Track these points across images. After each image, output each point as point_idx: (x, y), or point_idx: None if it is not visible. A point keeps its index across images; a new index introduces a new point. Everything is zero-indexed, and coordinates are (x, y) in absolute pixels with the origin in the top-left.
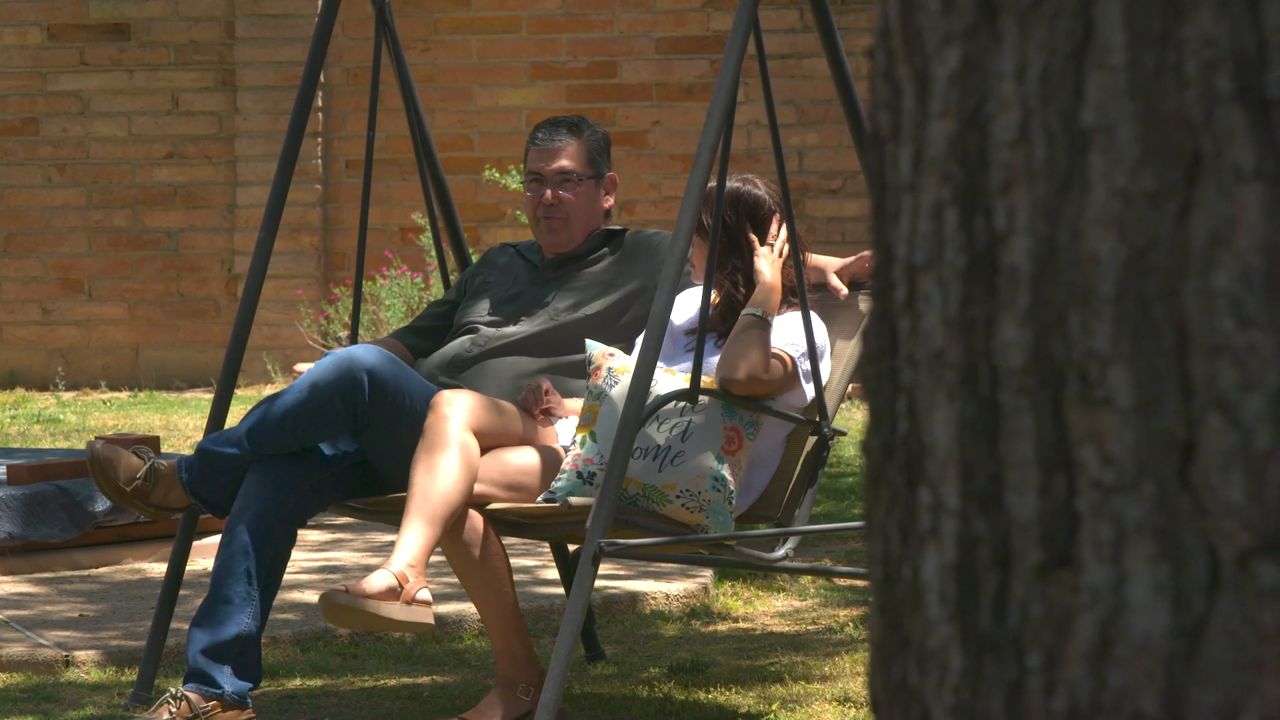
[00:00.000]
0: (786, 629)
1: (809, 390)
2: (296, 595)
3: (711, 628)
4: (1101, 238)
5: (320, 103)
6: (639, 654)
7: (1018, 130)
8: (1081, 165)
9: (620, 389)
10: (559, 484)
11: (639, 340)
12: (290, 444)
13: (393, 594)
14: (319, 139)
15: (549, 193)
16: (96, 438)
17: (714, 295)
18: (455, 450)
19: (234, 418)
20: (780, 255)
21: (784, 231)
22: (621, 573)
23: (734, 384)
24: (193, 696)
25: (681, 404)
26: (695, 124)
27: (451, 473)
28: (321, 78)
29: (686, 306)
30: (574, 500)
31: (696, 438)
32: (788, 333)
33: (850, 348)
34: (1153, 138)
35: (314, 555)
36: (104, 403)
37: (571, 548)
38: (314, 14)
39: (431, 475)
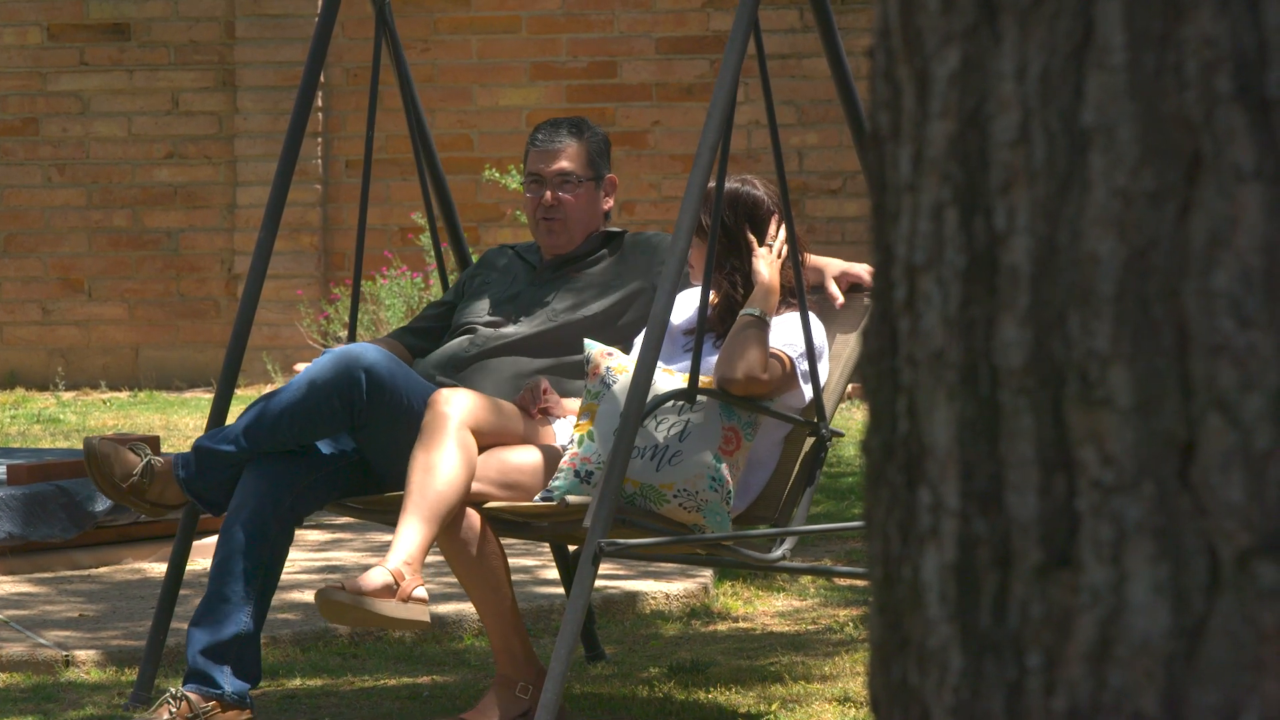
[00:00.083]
0: (786, 629)
1: (807, 391)
2: (296, 595)
3: (711, 628)
4: (1101, 238)
5: (320, 103)
6: (639, 654)
7: (1018, 130)
8: (1081, 165)
9: (618, 388)
10: (557, 483)
11: (638, 340)
12: (287, 442)
13: (389, 591)
14: (319, 139)
15: (549, 194)
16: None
17: (713, 295)
18: (453, 448)
19: (234, 418)
20: (779, 256)
21: (783, 232)
22: (621, 572)
23: (732, 384)
24: (193, 696)
25: (680, 404)
26: (695, 124)
27: (449, 471)
28: (321, 78)
29: (685, 307)
30: (571, 499)
31: (694, 437)
32: (786, 333)
33: (850, 344)
34: (1153, 138)
35: (314, 555)
36: (104, 403)
37: (571, 548)
38: (314, 14)
39: (429, 473)
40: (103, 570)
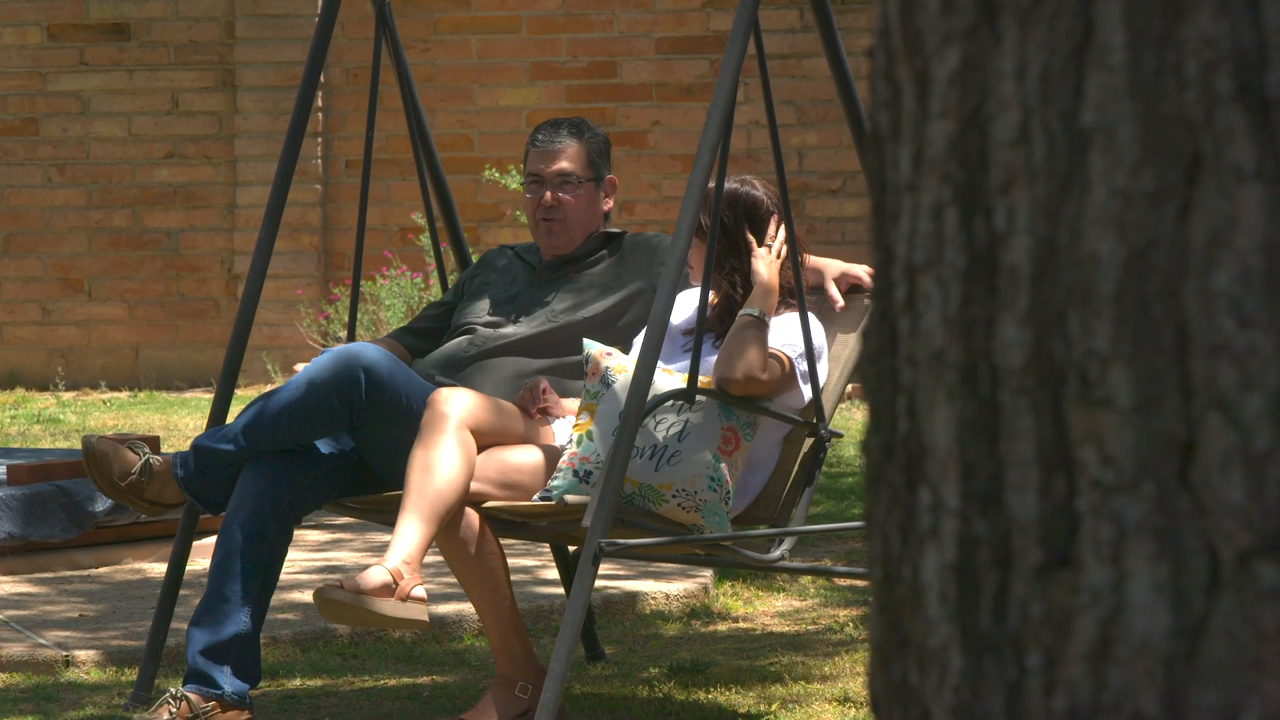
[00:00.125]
0: (786, 629)
1: (806, 391)
2: (296, 595)
3: (711, 628)
4: (1101, 238)
5: (320, 103)
6: (639, 654)
7: (1018, 130)
8: (1081, 165)
9: (617, 388)
10: (555, 482)
11: (637, 340)
12: (286, 441)
13: (387, 590)
14: (319, 139)
15: (548, 194)
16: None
17: (712, 296)
18: (452, 447)
19: (234, 418)
20: (778, 256)
21: (782, 232)
22: (621, 573)
23: (731, 383)
24: (193, 697)
25: (679, 403)
26: (695, 124)
27: (448, 470)
28: (321, 78)
29: (685, 307)
30: (570, 499)
31: (693, 437)
32: (785, 333)
33: (849, 345)
34: (1153, 138)
35: (314, 555)
36: (104, 403)
37: (571, 549)
38: (314, 14)
39: (428, 472)
40: (103, 570)
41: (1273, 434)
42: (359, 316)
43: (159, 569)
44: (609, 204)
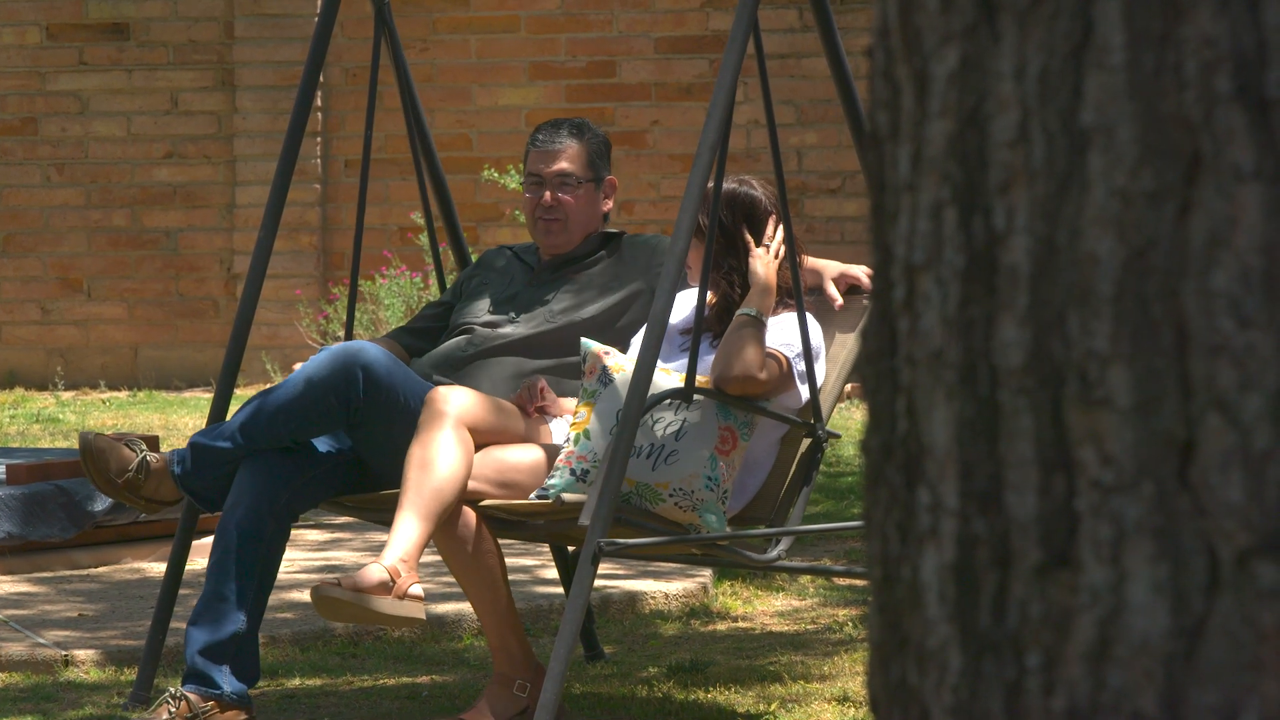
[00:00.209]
0: (786, 628)
1: (804, 391)
2: (296, 595)
3: (711, 627)
4: (1101, 238)
5: (320, 103)
6: (638, 654)
7: (1017, 130)
8: (1081, 165)
9: (615, 387)
10: (553, 481)
11: (636, 341)
12: (283, 439)
13: (384, 588)
14: (318, 139)
15: (548, 194)
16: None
17: (710, 296)
18: (450, 445)
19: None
20: (776, 256)
21: (780, 232)
22: (620, 572)
23: (728, 383)
24: (192, 696)
25: (676, 403)
26: (694, 124)
27: (445, 468)
28: (321, 78)
29: (683, 307)
30: (567, 497)
31: (691, 437)
32: (783, 333)
33: (848, 345)
34: (1152, 138)
35: (313, 554)
36: (103, 402)
37: (570, 548)
38: (314, 14)
39: (425, 470)
40: (102, 570)
41: (1272, 434)
42: (358, 316)
43: (158, 568)
44: (608, 205)
